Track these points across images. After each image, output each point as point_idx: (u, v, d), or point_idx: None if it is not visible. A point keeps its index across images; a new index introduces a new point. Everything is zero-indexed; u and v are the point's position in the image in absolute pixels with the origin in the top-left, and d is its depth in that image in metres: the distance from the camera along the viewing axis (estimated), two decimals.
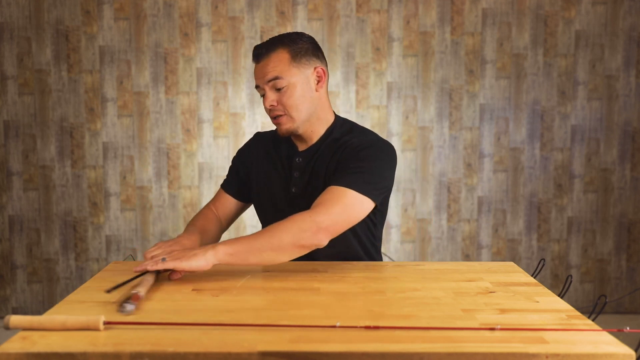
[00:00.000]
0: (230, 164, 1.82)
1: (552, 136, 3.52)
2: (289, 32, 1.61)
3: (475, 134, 3.51)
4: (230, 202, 1.78)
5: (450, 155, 3.52)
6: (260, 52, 1.56)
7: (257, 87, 1.59)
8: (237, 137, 3.48)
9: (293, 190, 1.64)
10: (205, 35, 3.43)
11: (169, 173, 3.51)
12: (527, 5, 3.44)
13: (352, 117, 3.46)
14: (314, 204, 1.46)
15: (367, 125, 3.46)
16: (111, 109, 3.46)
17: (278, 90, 1.55)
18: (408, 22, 3.45)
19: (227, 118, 3.48)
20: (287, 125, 1.58)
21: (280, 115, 1.57)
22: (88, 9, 3.40)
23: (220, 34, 3.44)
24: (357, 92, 3.48)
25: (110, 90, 3.45)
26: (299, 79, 1.56)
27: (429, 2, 3.43)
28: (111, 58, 3.43)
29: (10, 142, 3.46)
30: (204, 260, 1.34)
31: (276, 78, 1.54)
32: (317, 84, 1.59)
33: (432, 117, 3.50)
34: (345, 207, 1.44)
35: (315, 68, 1.58)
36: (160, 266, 1.34)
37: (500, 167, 3.54)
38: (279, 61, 1.54)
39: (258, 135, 1.82)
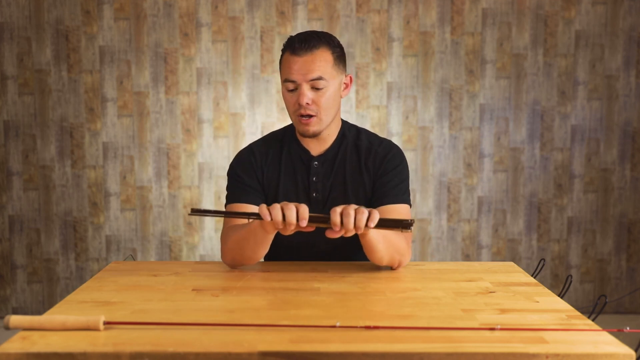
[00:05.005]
0: (232, 178, 1.66)
1: (552, 136, 3.52)
2: (325, 32, 1.58)
3: (475, 134, 3.51)
4: None
5: (450, 155, 3.52)
6: (303, 47, 1.51)
7: (288, 80, 1.54)
8: (237, 137, 3.48)
9: (314, 195, 1.63)
10: (205, 35, 3.43)
11: (169, 173, 3.51)
12: (527, 5, 3.44)
13: (352, 117, 3.46)
14: None
15: (367, 125, 3.46)
16: (111, 109, 3.46)
17: (315, 89, 1.53)
18: (408, 22, 3.45)
19: (227, 118, 3.48)
20: (315, 127, 1.56)
21: (312, 116, 1.54)
22: (88, 9, 3.40)
23: (220, 34, 3.44)
24: (357, 92, 3.48)
25: (110, 90, 3.45)
26: (335, 83, 1.56)
27: (429, 2, 3.43)
28: (111, 58, 3.43)
29: (10, 142, 3.46)
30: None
31: (319, 78, 1.52)
32: (343, 90, 1.62)
33: (432, 117, 3.50)
34: None
35: (346, 75, 1.62)
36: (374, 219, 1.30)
37: (500, 167, 3.54)
38: (324, 61, 1.53)
39: (255, 145, 1.70)
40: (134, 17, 3.41)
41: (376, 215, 1.29)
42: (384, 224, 1.31)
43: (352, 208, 1.29)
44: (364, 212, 1.28)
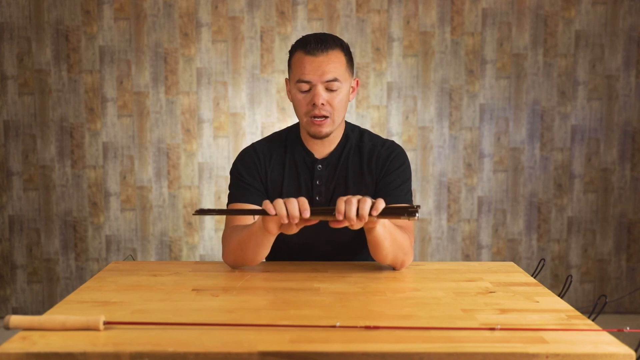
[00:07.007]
0: (234, 177, 1.66)
1: (552, 136, 3.52)
2: (336, 35, 1.58)
3: (475, 134, 3.51)
4: None
5: (450, 155, 3.52)
6: (319, 47, 1.51)
7: (302, 81, 1.52)
8: (237, 137, 3.48)
9: (317, 198, 1.62)
10: (205, 35, 3.43)
11: (169, 173, 3.51)
12: (527, 5, 3.44)
13: (352, 117, 3.46)
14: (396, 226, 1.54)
15: (367, 125, 3.46)
16: (111, 109, 3.46)
17: (330, 91, 1.53)
18: (408, 22, 3.45)
19: (227, 118, 3.48)
20: (328, 128, 1.56)
21: (325, 117, 1.54)
22: (88, 9, 3.40)
23: (220, 34, 3.44)
24: (357, 92, 3.47)
25: (110, 90, 3.45)
26: (347, 86, 1.57)
27: (429, 2, 3.43)
28: (111, 58, 3.43)
29: (10, 142, 3.46)
30: None
31: (335, 80, 1.52)
32: (351, 93, 1.62)
33: (432, 117, 3.50)
34: (412, 224, 1.62)
35: (355, 79, 1.63)
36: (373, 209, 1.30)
37: (500, 167, 3.54)
38: (339, 63, 1.53)
39: (259, 144, 1.70)
40: (134, 17, 3.41)
41: (381, 204, 1.29)
42: (388, 211, 1.31)
43: (356, 198, 1.30)
44: (367, 200, 1.28)
